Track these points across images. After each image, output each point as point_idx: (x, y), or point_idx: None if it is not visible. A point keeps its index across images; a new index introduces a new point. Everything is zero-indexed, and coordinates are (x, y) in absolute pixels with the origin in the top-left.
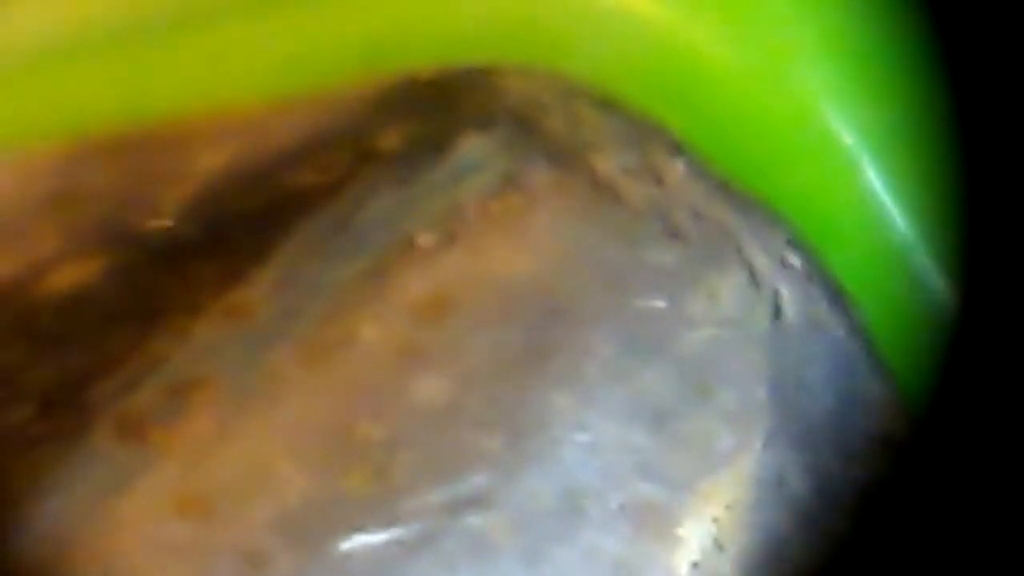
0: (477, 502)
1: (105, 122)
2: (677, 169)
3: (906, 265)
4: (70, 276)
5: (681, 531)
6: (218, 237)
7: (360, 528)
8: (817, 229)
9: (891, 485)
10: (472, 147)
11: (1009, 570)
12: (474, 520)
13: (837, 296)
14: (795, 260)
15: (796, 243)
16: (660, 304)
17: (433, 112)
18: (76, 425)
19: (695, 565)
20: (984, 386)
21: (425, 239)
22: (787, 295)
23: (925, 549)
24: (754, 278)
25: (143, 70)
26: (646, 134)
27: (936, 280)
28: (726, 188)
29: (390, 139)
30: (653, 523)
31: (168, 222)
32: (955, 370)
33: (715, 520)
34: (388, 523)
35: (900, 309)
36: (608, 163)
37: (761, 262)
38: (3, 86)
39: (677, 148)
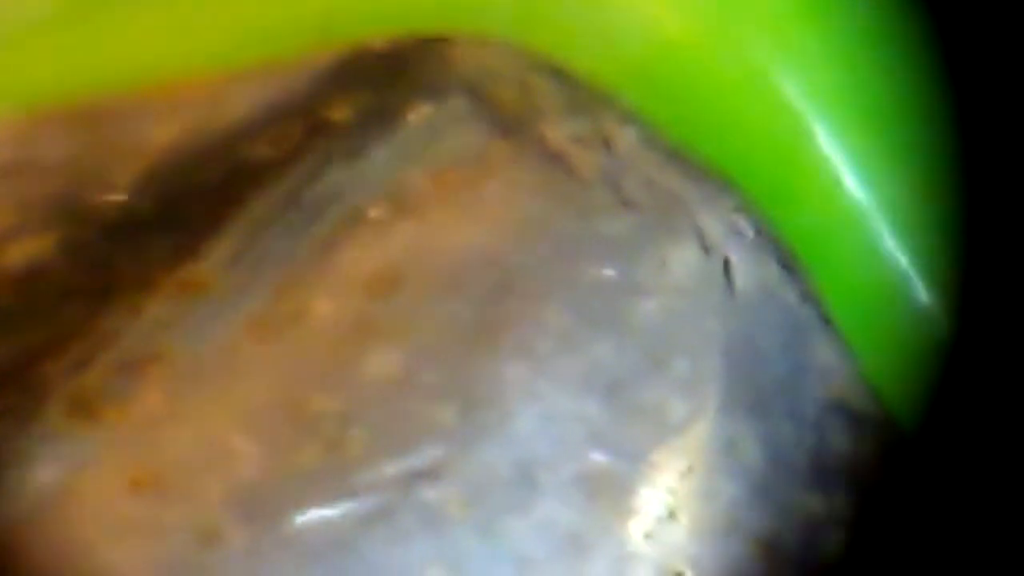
0: (431, 474)
1: (60, 94)
2: (628, 137)
3: (859, 230)
4: (24, 251)
5: (634, 501)
6: (171, 212)
7: (314, 502)
8: (769, 195)
9: (844, 451)
10: (423, 118)
11: (969, 540)
12: (428, 493)
13: (789, 262)
14: (746, 227)
15: (747, 210)
16: (612, 274)
17: (385, 83)
18: (29, 402)
19: (648, 534)
20: (944, 350)
21: (377, 212)
22: (738, 262)
23: (878, 514)
24: (705, 246)
25: (97, 41)
26: (597, 103)
27: (890, 244)
28: (677, 156)
29: (342, 110)
30: (606, 493)
31: (122, 196)
32: (912, 337)
33: (668, 489)
34: (342, 497)
35: (853, 274)
36: (559, 132)
37: (712, 230)
38: None
39: (628, 116)
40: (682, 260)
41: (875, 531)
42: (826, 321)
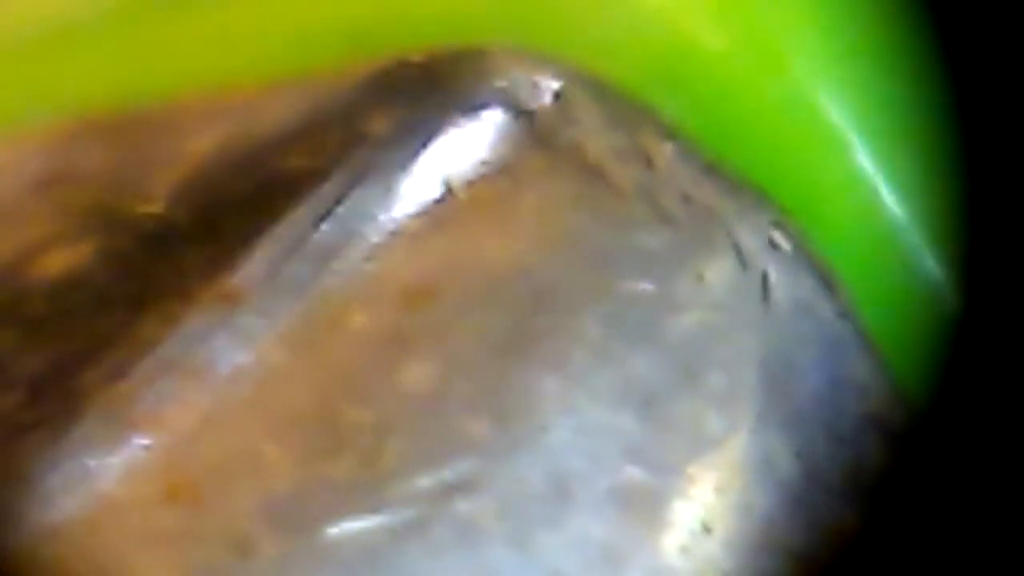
0: (465, 487)
1: (97, 103)
2: (666, 152)
3: (896, 246)
4: (61, 260)
5: (669, 515)
6: (208, 222)
7: (347, 514)
8: (806, 210)
9: (881, 467)
10: (459, 130)
11: (1001, 556)
12: (462, 505)
13: (826, 278)
14: (784, 242)
15: (784, 225)
16: (648, 288)
17: (421, 95)
18: (65, 412)
19: (683, 548)
20: (979, 368)
21: (412, 224)
22: (776, 277)
23: (915, 531)
24: (742, 261)
25: (135, 51)
26: (635, 116)
27: (927, 261)
28: (715, 170)
29: (379, 123)
30: (641, 507)
31: (159, 207)
32: (949, 353)
33: (703, 503)
34: (376, 509)
35: (890, 291)
36: (597, 146)
37: (749, 245)
38: None
39: (666, 130)
40: (719, 274)
41: (911, 547)
42: (863, 337)
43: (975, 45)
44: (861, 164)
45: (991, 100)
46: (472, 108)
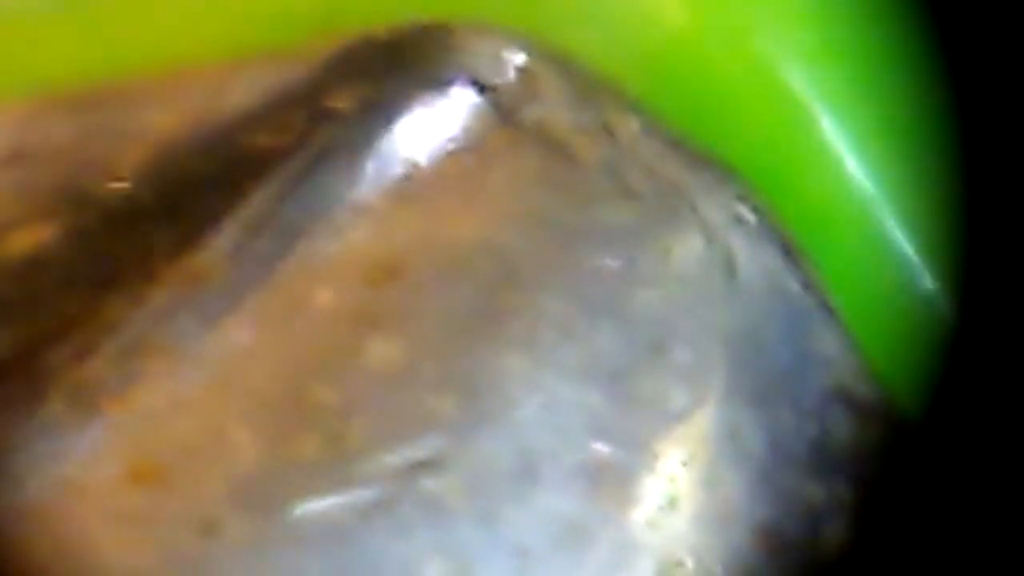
0: (432, 465)
1: (62, 80)
2: (631, 127)
3: (862, 219)
4: (26, 239)
5: (636, 490)
6: (174, 200)
7: (314, 494)
8: (773, 184)
9: (846, 441)
10: (425, 107)
11: (971, 529)
12: (429, 483)
13: (791, 252)
14: (749, 216)
15: (750, 199)
16: (614, 264)
17: (388, 72)
18: (30, 392)
19: (650, 523)
20: (948, 338)
21: (378, 201)
22: (741, 251)
23: (879, 503)
24: (708, 235)
25: (100, 28)
26: (600, 92)
27: (893, 232)
28: (680, 145)
29: (345, 100)
30: (608, 483)
31: (124, 184)
32: (915, 323)
33: (669, 478)
34: (343, 488)
35: (856, 263)
36: (562, 121)
37: (715, 219)
38: None
39: (631, 106)
40: (684, 249)
41: (876, 520)
42: (829, 310)
43: (942, 18)
44: (827, 137)
45: (958, 73)
46: (437, 85)
